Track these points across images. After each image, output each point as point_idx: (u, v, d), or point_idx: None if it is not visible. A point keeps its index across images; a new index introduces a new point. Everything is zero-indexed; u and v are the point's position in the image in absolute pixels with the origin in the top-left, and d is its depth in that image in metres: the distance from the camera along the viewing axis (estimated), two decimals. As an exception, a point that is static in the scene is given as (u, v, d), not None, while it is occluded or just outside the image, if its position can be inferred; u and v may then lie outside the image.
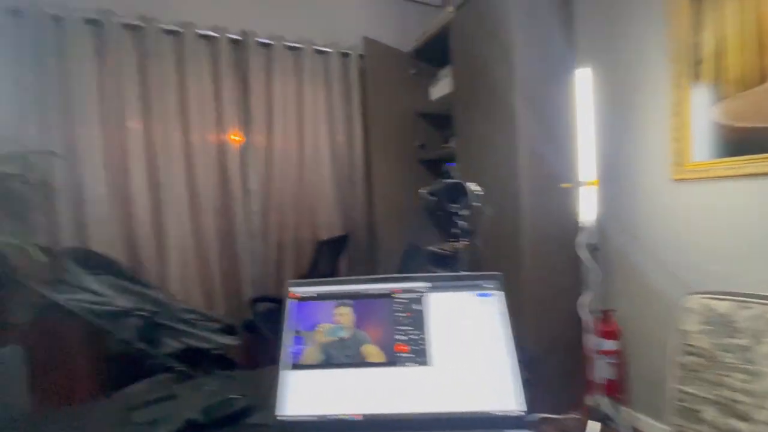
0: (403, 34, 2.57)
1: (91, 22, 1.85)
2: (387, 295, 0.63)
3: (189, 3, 2.06)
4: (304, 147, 2.29)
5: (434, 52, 2.36)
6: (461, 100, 2.07)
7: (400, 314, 0.61)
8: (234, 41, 2.14)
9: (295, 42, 2.26)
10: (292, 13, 2.31)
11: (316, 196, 2.33)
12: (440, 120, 2.47)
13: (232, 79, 2.14)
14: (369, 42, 2.32)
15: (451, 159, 2.10)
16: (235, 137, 2.15)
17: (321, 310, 0.62)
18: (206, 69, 2.08)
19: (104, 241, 1.84)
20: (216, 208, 2.09)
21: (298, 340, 0.60)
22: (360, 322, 0.61)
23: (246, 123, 2.17)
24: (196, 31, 2.02)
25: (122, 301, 1.50)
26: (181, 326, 1.61)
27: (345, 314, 0.61)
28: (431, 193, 0.99)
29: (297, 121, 2.28)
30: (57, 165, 1.77)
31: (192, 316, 1.76)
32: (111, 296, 1.49)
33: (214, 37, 2.08)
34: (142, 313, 1.50)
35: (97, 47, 1.86)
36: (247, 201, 2.16)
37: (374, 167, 2.33)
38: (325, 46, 2.34)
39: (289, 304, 0.63)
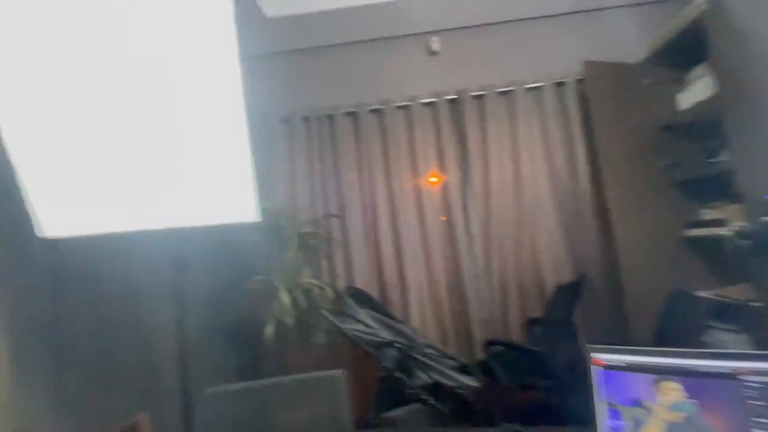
0: (629, 44, 2.26)
1: (350, 114, 2.45)
2: (730, 375, 0.51)
3: (415, 80, 2.45)
4: (522, 186, 2.27)
5: (677, 54, 1.96)
6: (735, 102, 1.61)
7: (757, 403, 0.49)
8: (450, 101, 2.39)
9: (505, 86, 2.33)
10: (502, 60, 2.41)
11: (538, 236, 2.22)
12: (697, 130, 1.98)
13: (450, 133, 2.37)
14: (589, 65, 2.14)
15: (722, 176, 1.63)
16: (455, 185, 2.34)
17: (636, 383, 0.56)
18: (429, 129, 2.39)
19: (363, 281, 2.29)
20: (444, 251, 2.29)
21: (615, 414, 0.56)
22: (696, 405, 0.51)
23: (465, 170, 2.34)
24: (420, 101, 2.38)
25: (384, 334, 1.80)
26: (428, 361, 1.79)
27: (672, 393, 0.53)
28: (744, 235, 0.78)
29: (513, 161, 2.30)
30: (333, 223, 2.36)
31: (432, 351, 1.93)
32: (377, 329, 1.81)
33: (434, 102, 2.39)
34: (399, 345, 1.76)
35: (354, 131, 2.44)
36: (470, 244, 2.27)
37: (609, 198, 2.05)
38: (536, 82, 2.31)
39: (595, 372, 0.60)
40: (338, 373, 1.10)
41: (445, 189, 2.34)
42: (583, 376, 1.90)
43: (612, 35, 2.35)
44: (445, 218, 2.33)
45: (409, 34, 2.49)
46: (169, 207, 0.94)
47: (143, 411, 1.32)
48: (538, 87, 2.31)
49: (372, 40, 2.52)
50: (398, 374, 1.71)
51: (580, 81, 2.27)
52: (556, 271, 2.18)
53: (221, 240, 1.67)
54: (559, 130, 2.28)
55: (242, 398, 1.11)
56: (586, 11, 2.41)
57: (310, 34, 2.42)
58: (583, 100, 2.24)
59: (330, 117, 2.44)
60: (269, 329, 1.77)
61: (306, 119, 2.46)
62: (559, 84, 2.31)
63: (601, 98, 2.13)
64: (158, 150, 0.88)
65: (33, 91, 0.75)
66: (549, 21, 2.43)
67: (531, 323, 2.14)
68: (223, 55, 0.85)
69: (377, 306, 2.02)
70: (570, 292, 1.98)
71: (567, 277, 2.18)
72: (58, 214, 0.87)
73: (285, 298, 1.79)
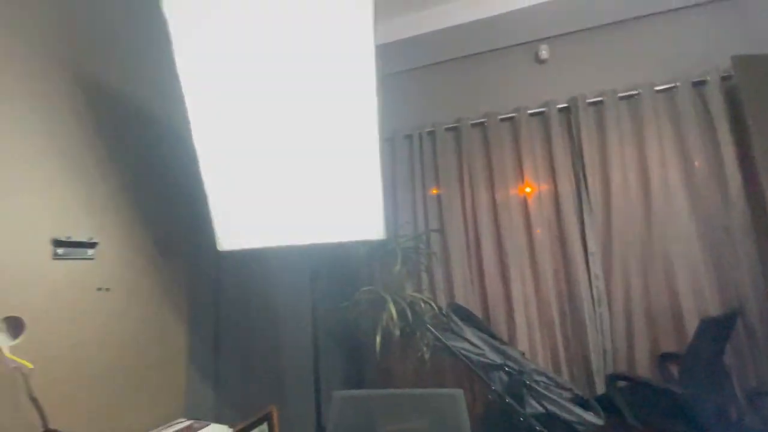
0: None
1: (451, 129, 2.46)
2: None
3: (521, 91, 2.37)
4: (650, 199, 2.01)
5: None
6: None
7: None
8: (561, 109, 2.24)
9: (628, 90, 2.11)
10: (622, 63, 2.20)
11: (673, 257, 1.93)
12: None
13: (562, 143, 2.21)
14: (740, 60, 1.82)
15: None
16: (568, 199, 2.17)
17: None
18: (538, 140, 2.27)
19: (464, 297, 2.25)
20: (555, 270, 2.13)
21: None
22: None
23: (579, 183, 2.16)
24: (528, 112, 2.28)
25: (492, 355, 1.74)
26: (541, 389, 1.67)
27: None
28: None
29: (639, 171, 2.05)
30: (434, 238, 2.37)
31: (542, 379, 1.80)
32: (484, 349, 1.75)
33: (543, 112, 2.27)
34: (509, 369, 1.68)
35: (456, 145, 2.44)
36: (587, 263, 2.08)
37: (773, 215, 1.71)
38: (667, 83, 2.05)
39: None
40: (458, 392, 1.09)
41: (556, 203, 2.18)
42: (739, 426, 1.58)
43: (757, 24, 1.99)
44: (539, 231, 2.17)
45: (515, 45, 2.42)
46: (309, 224, 1.04)
47: (275, 402, 1.48)
48: (671, 88, 2.05)
49: (474, 54, 2.51)
50: (509, 400, 1.63)
51: (725, 78, 1.95)
52: (697, 299, 1.87)
53: (338, 253, 1.81)
54: (699, 135, 1.97)
55: (366, 404, 1.18)
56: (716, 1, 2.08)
57: (414, 56, 2.51)
58: (731, 100, 1.92)
59: (431, 133, 2.48)
60: (378, 339, 1.84)
61: (408, 137, 2.54)
62: (698, 83, 2.01)
63: (758, 97, 1.79)
64: (307, 172, 0.99)
65: (220, 128, 0.91)
66: (676, 15, 2.16)
67: (665, 358, 1.85)
68: (362, 85, 0.93)
69: (481, 325, 1.96)
70: (720, 327, 1.67)
71: (712, 306, 1.85)
72: (226, 231, 1.04)
73: (393, 309, 1.84)
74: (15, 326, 0.78)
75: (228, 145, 0.91)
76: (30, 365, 0.77)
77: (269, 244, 1.07)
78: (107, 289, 0.91)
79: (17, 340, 0.77)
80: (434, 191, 2.44)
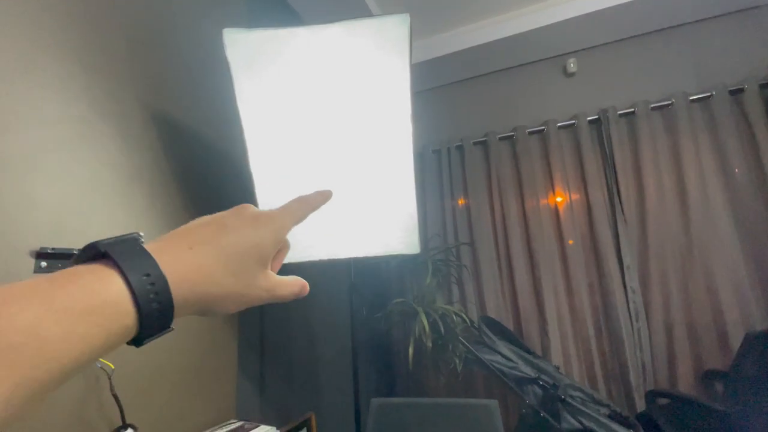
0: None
1: (479, 143, 2.50)
2: None
3: (549, 104, 2.39)
4: (688, 211, 1.96)
5: None
6: None
7: None
8: (591, 122, 2.24)
9: (661, 101, 2.09)
10: (653, 73, 2.18)
11: (715, 271, 1.87)
12: None
13: (593, 155, 2.21)
14: (780, 66, 1.78)
15: None
16: (601, 212, 2.15)
17: None
18: (568, 153, 2.27)
19: (495, 310, 2.25)
20: (590, 284, 2.11)
21: None
22: None
23: (612, 195, 2.14)
24: (557, 125, 2.29)
25: (526, 369, 1.74)
26: (577, 404, 1.65)
27: None
28: None
29: (675, 181, 2.02)
30: (464, 251, 2.40)
31: (579, 394, 1.78)
32: (517, 362, 1.76)
33: (572, 124, 2.28)
34: (544, 383, 1.67)
35: (485, 159, 2.48)
36: (623, 277, 2.04)
37: (823, 227, 1.63)
38: (702, 92, 2.02)
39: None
40: (493, 402, 1.12)
41: (589, 215, 2.17)
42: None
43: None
44: (572, 242, 2.16)
45: (542, 59, 2.46)
46: (349, 239, 1.12)
47: (313, 408, 1.55)
48: (706, 97, 2.01)
49: (502, 70, 2.56)
50: (543, 414, 1.63)
51: (763, 86, 1.90)
52: (743, 314, 1.80)
53: (370, 265, 1.89)
54: (738, 144, 1.92)
55: (402, 412, 1.22)
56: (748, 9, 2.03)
57: (442, 73, 2.59)
58: (773, 107, 1.87)
59: (459, 147, 2.53)
60: (411, 350, 1.88)
61: (436, 151, 2.60)
62: (734, 91, 1.97)
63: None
64: (348, 193, 1.08)
65: (273, 157, 1.02)
66: (707, 24, 2.13)
67: (710, 376, 1.79)
68: (399, 106, 1.01)
69: (513, 338, 1.96)
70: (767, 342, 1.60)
71: (758, 320, 1.78)
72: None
73: (425, 321, 1.88)
74: (101, 331, 0.90)
75: (279, 171, 1.02)
76: (112, 366, 0.88)
77: (312, 258, 1.15)
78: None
79: (102, 344, 0.89)
80: (461, 201, 2.48)
